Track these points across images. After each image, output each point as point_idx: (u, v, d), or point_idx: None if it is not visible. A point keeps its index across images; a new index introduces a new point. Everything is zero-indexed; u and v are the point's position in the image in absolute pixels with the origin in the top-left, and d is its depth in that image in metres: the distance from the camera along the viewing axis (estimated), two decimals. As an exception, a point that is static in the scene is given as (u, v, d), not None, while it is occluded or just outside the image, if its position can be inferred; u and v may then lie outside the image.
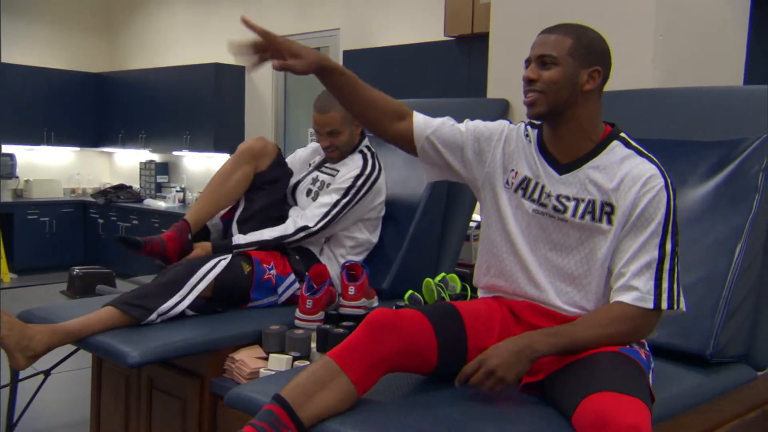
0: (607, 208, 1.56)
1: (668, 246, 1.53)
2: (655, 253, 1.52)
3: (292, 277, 2.42)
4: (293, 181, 2.65)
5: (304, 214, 2.45)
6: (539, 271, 1.64)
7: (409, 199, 2.62)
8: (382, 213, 2.61)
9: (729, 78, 2.76)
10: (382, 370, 1.51)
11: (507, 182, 1.70)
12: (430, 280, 2.38)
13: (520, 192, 1.67)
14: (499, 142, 1.72)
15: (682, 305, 1.54)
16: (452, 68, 4.53)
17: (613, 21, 2.59)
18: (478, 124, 1.76)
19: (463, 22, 4.33)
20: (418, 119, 1.75)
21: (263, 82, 6.55)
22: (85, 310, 2.13)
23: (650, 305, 1.50)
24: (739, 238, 1.84)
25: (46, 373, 2.41)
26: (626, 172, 1.56)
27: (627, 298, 1.52)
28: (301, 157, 2.75)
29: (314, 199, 2.54)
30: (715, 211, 1.91)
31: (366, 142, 2.61)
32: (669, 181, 1.56)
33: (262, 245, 2.41)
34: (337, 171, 2.54)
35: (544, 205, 1.63)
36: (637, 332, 1.53)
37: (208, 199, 2.47)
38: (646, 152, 1.61)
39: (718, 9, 2.73)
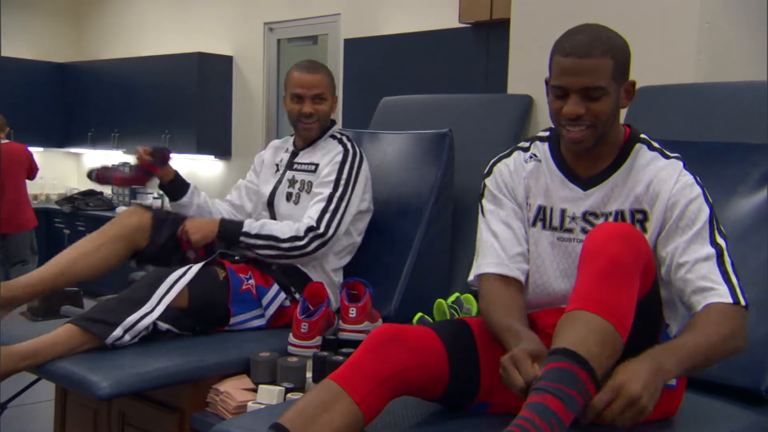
0: (639, 216, 1.62)
1: (720, 241, 1.57)
2: (711, 250, 1.55)
3: (276, 287, 2.42)
4: (267, 189, 2.62)
5: (300, 220, 2.42)
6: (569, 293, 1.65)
7: (413, 208, 2.60)
8: (371, 209, 2.58)
9: (783, 72, 2.75)
10: (389, 391, 1.52)
11: (528, 220, 1.74)
12: (441, 301, 2.37)
13: (539, 224, 1.71)
14: (519, 185, 1.75)
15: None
16: (468, 59, 4.53)
17: (654, 7, 2.59)
18: (502, 203, 1.77)
19: (480, 6, 4.33)
20: (515, 278, 1.73)
21: (253, 74, 6.57)
22: (48, 335, 2.13)
23: (730, 300, 1.52)
24: (798, 255, 1.84)
25: (2, 405, 2.41)
26: (654, 175, 1.62)
27: (711, 298, 1.52)
28: (266, 160, 2.71)
29: (296, 203, 2.53)
30: (769, 224, 1.90)
31: (337, 127, 2.61)
32: (698, 179, 1.63)
33: (271, 246, 2.38)
34: (315, 165, 2.53)
35: (569, 230, 1.67)
36: (737, 335, 1.52)
37: (63, 266, 2.36)
38: (669, 153, 1.67)
39: (771, -7, 2.73)
